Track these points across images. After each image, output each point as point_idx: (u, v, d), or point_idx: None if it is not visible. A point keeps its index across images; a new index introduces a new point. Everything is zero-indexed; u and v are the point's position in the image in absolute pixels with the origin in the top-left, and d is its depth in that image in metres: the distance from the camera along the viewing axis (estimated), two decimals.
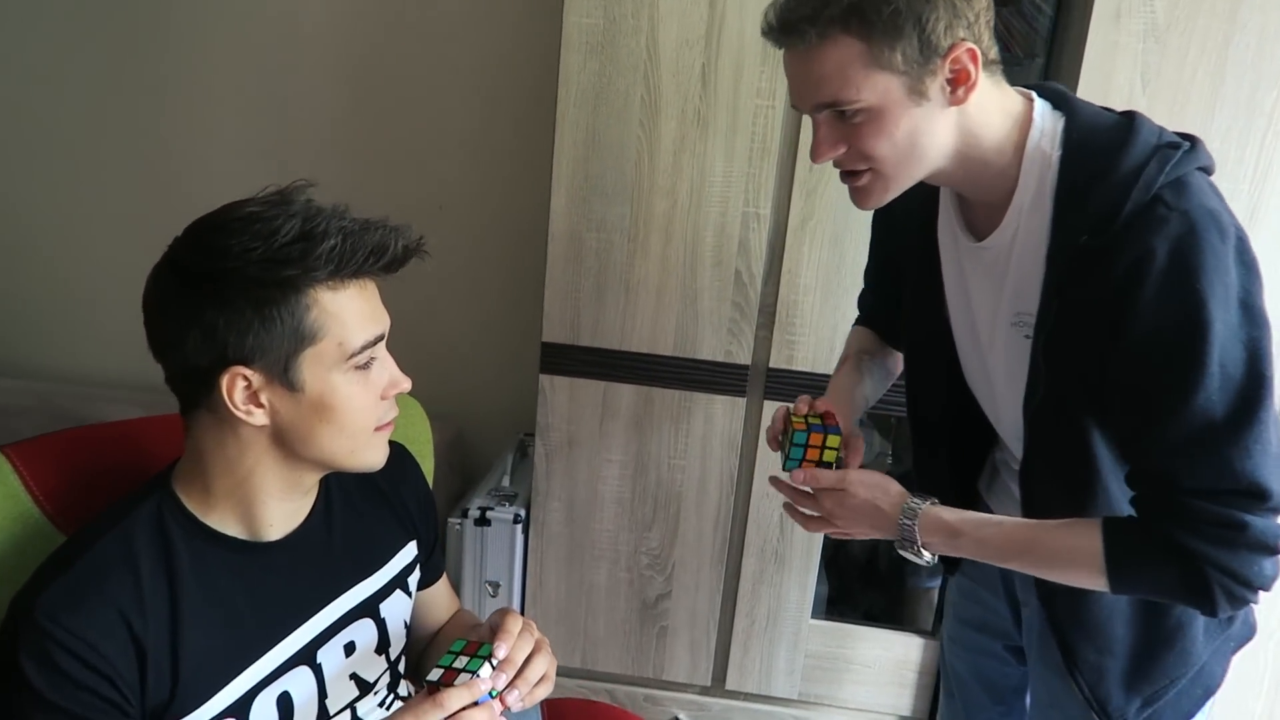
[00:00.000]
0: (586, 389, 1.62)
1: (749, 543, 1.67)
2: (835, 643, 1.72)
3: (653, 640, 1.74)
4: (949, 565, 1.31)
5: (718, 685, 1.76)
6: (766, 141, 1.48)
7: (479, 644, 0.88)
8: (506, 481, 1.78)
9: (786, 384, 1.58)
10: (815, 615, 1.72)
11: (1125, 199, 0.87)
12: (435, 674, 0.85)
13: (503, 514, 1.68)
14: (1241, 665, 1.14)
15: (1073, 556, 0.94)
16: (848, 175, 0.97)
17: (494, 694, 0.84)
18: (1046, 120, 0.95)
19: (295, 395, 0.83)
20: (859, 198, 0.98)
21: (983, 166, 0.95)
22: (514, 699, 0.86)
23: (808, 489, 1.07)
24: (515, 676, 0.86)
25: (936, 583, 1.83)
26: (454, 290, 2.01)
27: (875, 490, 1.03)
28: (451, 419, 1.98)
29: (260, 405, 0.83)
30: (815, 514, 1.08)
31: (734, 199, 1.51)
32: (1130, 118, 0.93)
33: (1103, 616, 1.03)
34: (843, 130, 0.92)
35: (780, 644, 1.72)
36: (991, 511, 1.19)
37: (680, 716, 1.77)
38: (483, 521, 1.68)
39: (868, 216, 1.48)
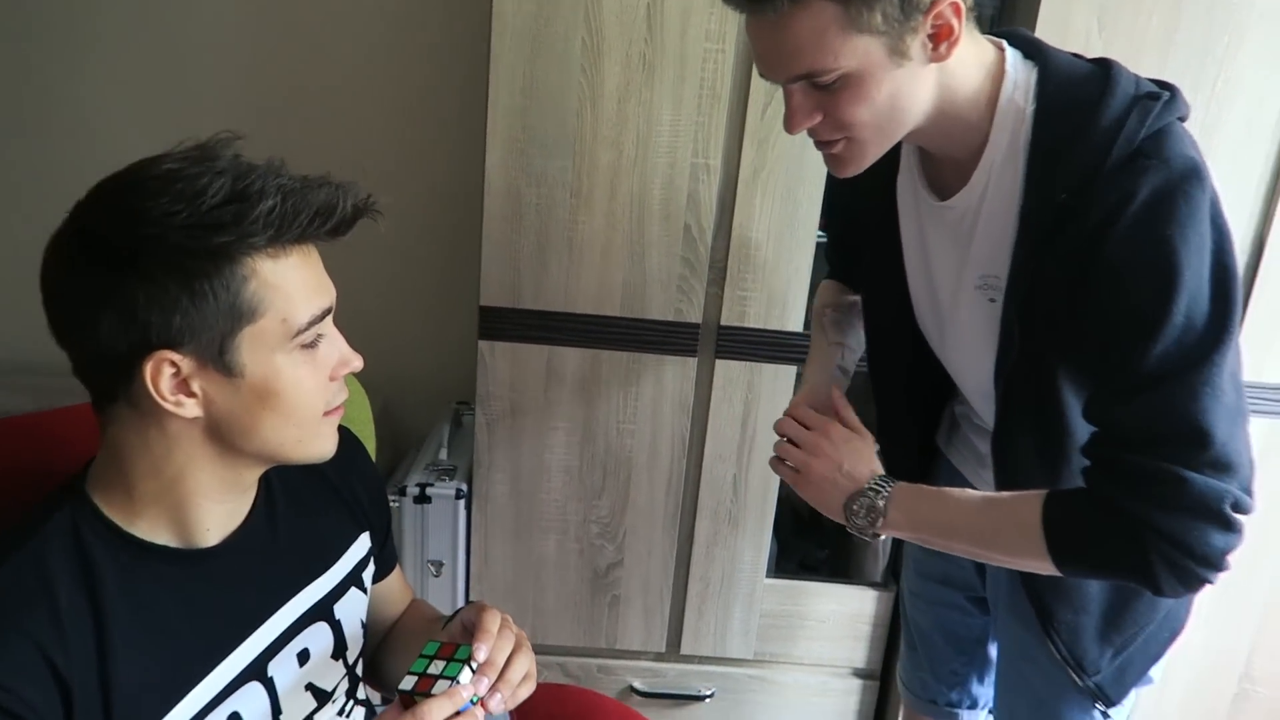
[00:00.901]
0: (529, 354, 1.53)
1: (702, 506, 1.62)
2: (790, 600, 1.71)
3: (605, 610, 1.69)
4: None
5: (672, 651, 1.73)
6: (716, 88, 1.40)
7: (455, 645, 0.80)
8: (444, 454, 1.68)
9: (739, 341, 1.53)
10: (768, 574, 1.70)
11: (1106, 155, 0.83)
12: (408, 682, 0.77)
13: (443, 489, 1.59)
14: None
15: (1020, 535, 0.91)
16: (823, 143, 0.90)
17: (475, 700, 0.77)
18: (1019, 71, 0.90)
19: (233, 381, 0.73)
20: (837, 166, 0.92)
21: (956, 122, 0.90)
22: (496, 703, 0.79)
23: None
24: (497, 679, 0.79)
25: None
26: (377, 252, 1.87)
27: (849, 446, 1.01)
28: (378, 390, 1.85)
29: (191, 395, 0.72)
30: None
31: (682, 150, 1.43)
32: (1105, 67, 0.89)
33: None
34: (818, 98, 0.86)
35: (735, 605, 1.69)
36: (954, 466, 1.18)
37: (635, 685, 1.73)
38: (423, 498, 1.58)
39: (821, 168, 1.45)
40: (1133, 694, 1.10)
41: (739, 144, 1.43)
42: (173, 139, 0.74)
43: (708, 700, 1.75)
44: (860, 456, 1.01)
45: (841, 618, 1.72)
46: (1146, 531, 0.83)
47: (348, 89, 1.80)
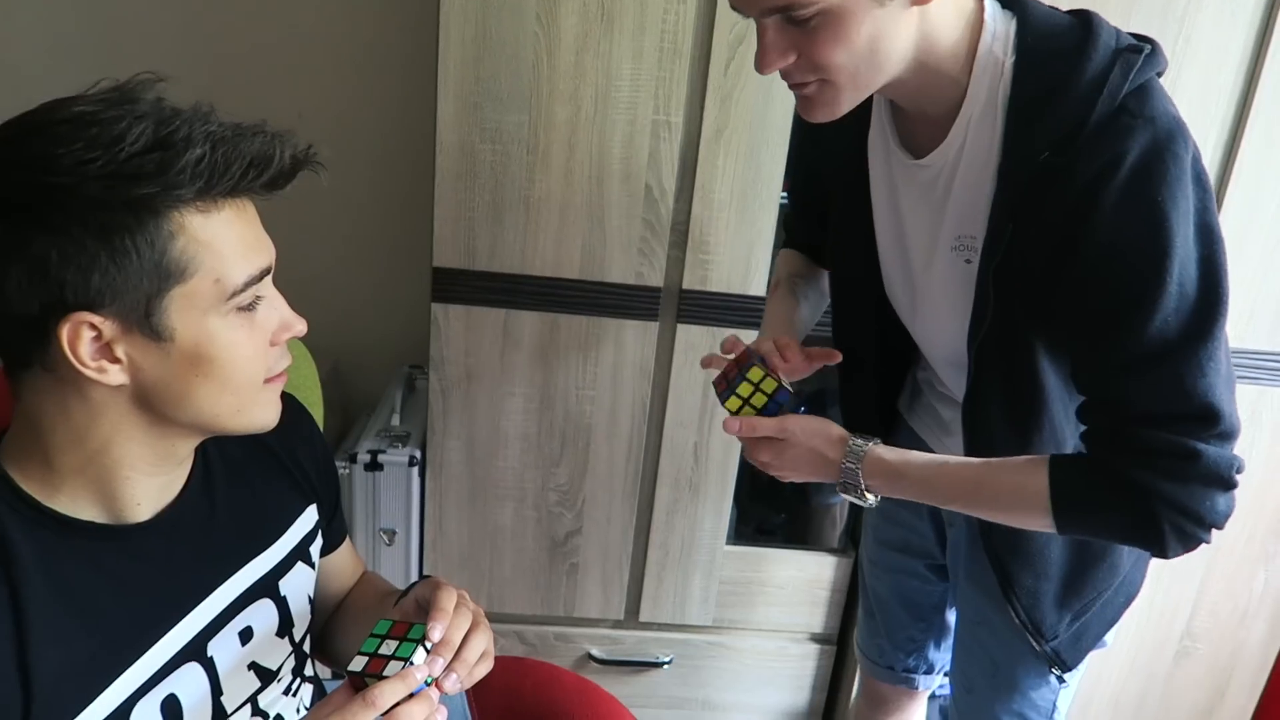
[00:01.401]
0: (485, 318, 1.48)
1: (662, 473, 1.60)
2: (749, 567, 1.70)
3: (562, 578, 1.66)
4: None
5: (631, 618, 1.71)
6: (678, 41, 1.35)
7: (408, 625, 0.76)
8: (396, 420, 1.63)
9: (701, 306, 1.49)
10: (727, 541, 1.68)
11: (1090, 111, 0.81)
12: (359, 663, 0.73)
13: (396, 456, 1.54)
14: None
15: (1019, 497, 0.90)
16: (796, 84, 0.86)
17: (429, 681, 0.73)
18: (998, 22, 0.87)
19: (162, 346, 0.67)
20: (808, 109, 0.88)
21: (934, 74, 0.86)
22: (452, 683, 0.75)
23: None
24: (453, 659, 0.75)
25: (839, 499, 1.83)
26: (322, 210, 1.79)
27: (816, 437, 0.97)
28: (326, 353, 1.78)
29: (115, 360, 0.66)
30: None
31: (643, 105, 1.38)
32: (1085, 18, 0.86)
33: (1041, 541, 1.02)
34: (794, 36, 0.81)
35: (695, 572, 1.68)
36: (915, 433, 1.17)
37: (593, 652, 1.72)
38: (374, 466, 1.53)
39: (786, 128, 1.41)
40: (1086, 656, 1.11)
41: (701, 101, 1.39)
42: (87, 81, 0.68)
43: (666, 667, 1.74)
44: (822, 439, 0.97)
45: (800, 584, 1.71)
46: (1157, 502, 0.83)
47: (286, 32, 1.69)
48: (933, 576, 1.26)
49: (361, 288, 1.86)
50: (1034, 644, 1.06)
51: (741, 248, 1.46)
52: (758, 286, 1.49)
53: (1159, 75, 0.86)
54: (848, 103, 0.87)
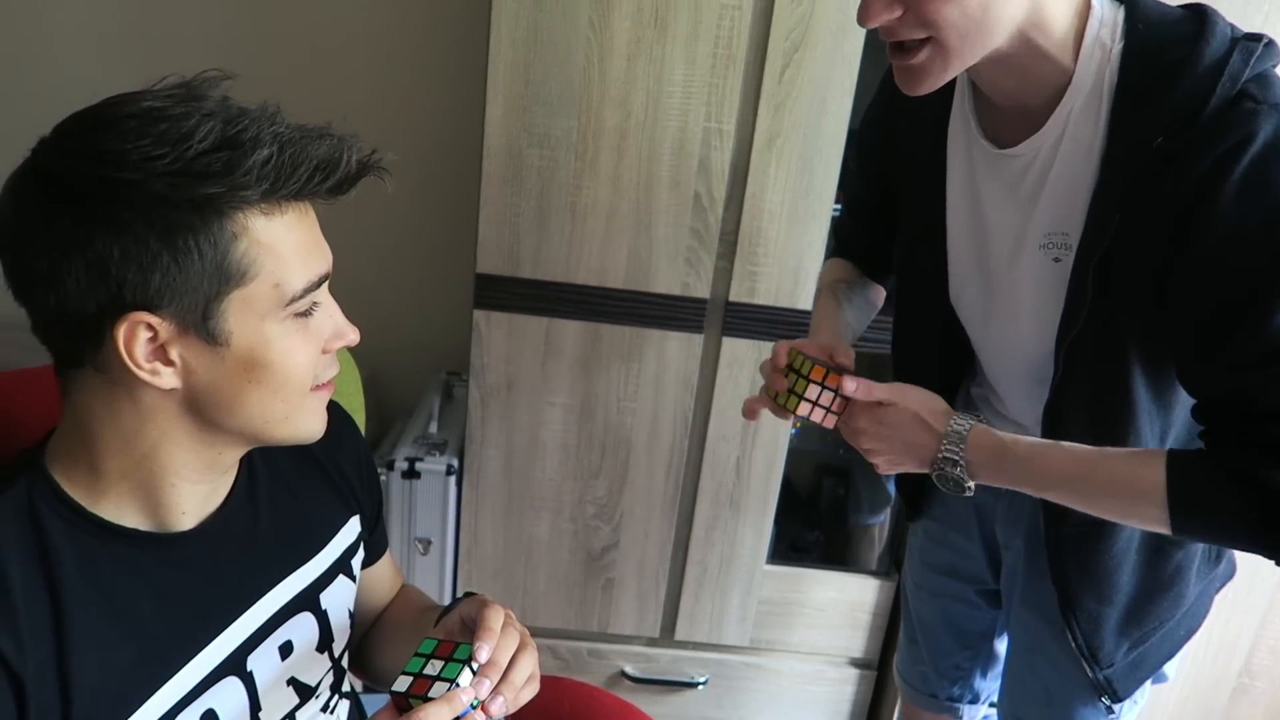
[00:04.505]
0: (527, 326, 1.45)
1: (703, 488, 1.56)
2: (788, 587, 1.66)
3: (598, 593, 1.63)
4: (912, 510, 1.23)
5: (666, 636, 1.68)
6: (732, 48, 1.32)
7: (454, 644, 0.73)
8: (434, 428, 1.61)
9: (747, 319, 1.45)
10: (767, 560, 1.64)
11: (1209, 95, 0.76)
12: (403, 683, 0.70)
13: (433, 464, 1.52)
14: None
15: (1132, 489, 0.84)
16: (897, 50, 0.82)
17: (476, 704, 0.70)
18: (1106, 9, 0.83)
19: (216, 350, 0.65)
20: (910, 78, 0.83)
21: (1040, 58, 0.82)
22: (498, 707, 0.72)
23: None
24: (500, 681, 0.72)
25: (879, 519, 1.78)
26: (364, 211, 1.78)
27: (923, 404, 0.92)
28: (364, 357, 1.77)
29: (169, 363, 0.64)
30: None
31: (694, 112, 1.35)
32: (1199, 9, 0.82)
33: (1111, 565, 0.97)
34: None
35: (733, 591, 1.64)
36: None
37: (627, 670, 1.68)
38: (411, 474, 1.51)
39: (840, 138, 1.37)
40: (1147, 686, 1.06)
41: (754, 108, 1.35)
42: (148, 78, 0.66)
43: (700, 687, 1.69)
44: (928, 408, 0.92)
45: (840, 606, 1.67)
46: None
47: (337, 30, 1.69)
48: (982, 602, 1.21)
49: (401, 292, 1.84)
50: (1087, 670, 1.02)
51: (791, 259, 1.43)
52: (806, 300, 1.45)
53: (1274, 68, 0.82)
54: (951, 71, 0.82)
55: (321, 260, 0.69)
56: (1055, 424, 0.94)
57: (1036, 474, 0.89)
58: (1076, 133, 0.84)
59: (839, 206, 1.41)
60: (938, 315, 1.04)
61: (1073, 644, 1.01)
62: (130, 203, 0.60)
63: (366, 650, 0.96)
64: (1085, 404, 0.91)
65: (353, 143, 0.67)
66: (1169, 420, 0.92)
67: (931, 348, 1.08)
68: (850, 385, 0.93)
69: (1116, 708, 1.04)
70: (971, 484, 0.91)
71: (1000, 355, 1.03)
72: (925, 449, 0.91)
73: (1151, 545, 0.98)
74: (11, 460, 0.71)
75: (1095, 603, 0.99)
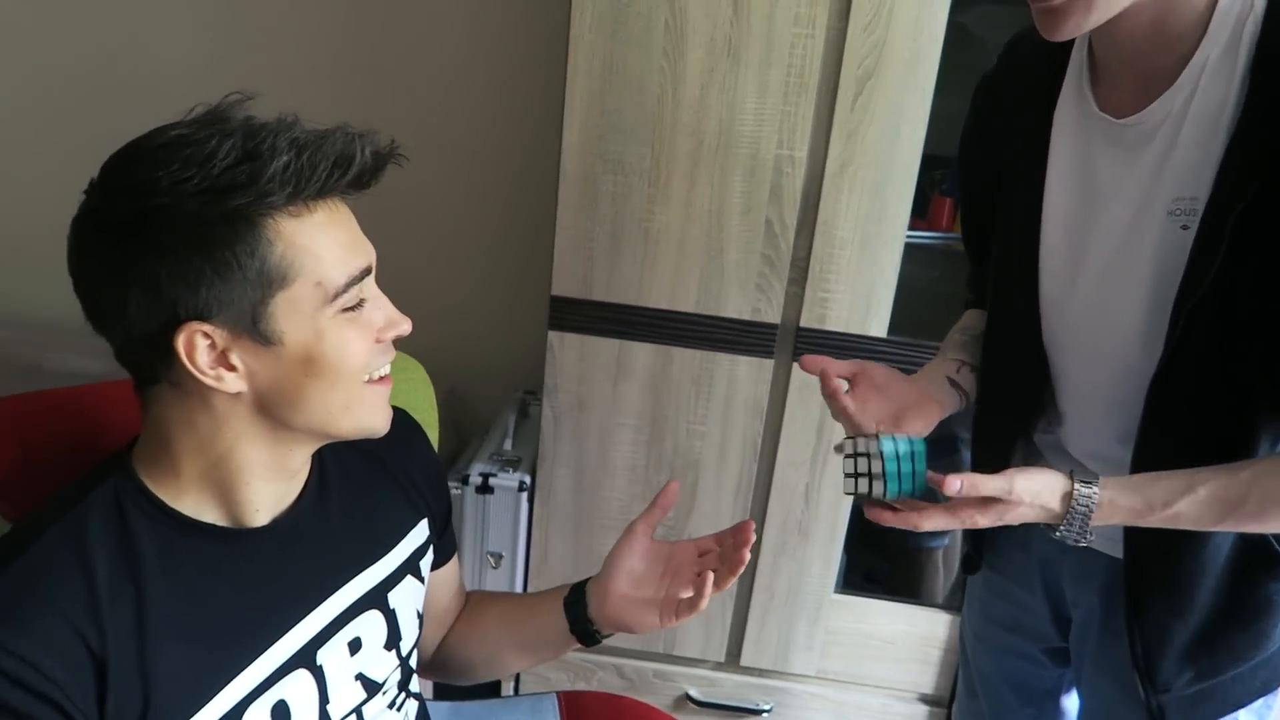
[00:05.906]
0: (599, 347, 1.49)
1: (771, 514, 1.56)
2: (856, 618, 1.63)
3: None
4: (969, 564, 1.17)
5: (732, 661, 1.67)
6: (804, 76, 1.34)
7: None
8: (509, 445, 1.66)
9: (818, 345, 1.45)
10: (836, 590, 1.62)
11: None
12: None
13: (506, 480, 1.56)
14: None
15: (1272, 504, 0.79)
16: None
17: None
18: None
19: (273, 350, 0.70)
20: (1052, 21, 0.79)
21: (1176, 14, 0.79)
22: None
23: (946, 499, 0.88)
24: None
25: (941, 542, 1.73)
26: (447, 234, 1.86)
27: (1042, 494, 0.85)
28: (444, 375, 1.83)
29: (232, 368, 0.69)
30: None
31: (766, 140, 1.37)
32: None
33: (1190, 577, 0.91)
34: None
35: (800, 619, 1.62)
36: None
37: (691, 693, 1.68)
38: (485, 489, 1.56)
39: (914, 165, 1.36)
40: None
41: (826, 136, 1.36)
42: (251, 110, 0.71)
43: (765, 715, 1.68)
44: (1049, 493, 0.85)
45: (911, 640, 1.63)
46: None
47: (421, 58, 1.77)
48: (1047, 660, 1.14)
49: (481, 313, 1.91)
50: (1140, 690, 0.95)
51: (862, 286, 1.42)
52: (878, 327, 1.44)
53: None
54: (1094, 18, 0.78)
55: (361, 255, 0.72)
56: (1158, 402, 0.88)
57: (1178, 521, 0.84)
58: (1209, 90, 0.80)
59: (914, 233, 1.40)
60: (1023, 338, 0.99)
61: (1129, 655, 0.94)
62: (168, 226, 0.65)
63: (453, 645, 1.02)
64: (1194, 379, 0.85)
65: (368, 136, 0.70)
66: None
67: (1012, 381, 1.03)
68: (954, 485, 0.83)
69: None
70: (1087, 540, 0.86)
71: (1088, 366, 0.97)
72: (1046, 523, 0.87)
73: (1241, 563, 0.91)
74: (102, 462, 0.77)
75: (1164, 611, 0.93)
